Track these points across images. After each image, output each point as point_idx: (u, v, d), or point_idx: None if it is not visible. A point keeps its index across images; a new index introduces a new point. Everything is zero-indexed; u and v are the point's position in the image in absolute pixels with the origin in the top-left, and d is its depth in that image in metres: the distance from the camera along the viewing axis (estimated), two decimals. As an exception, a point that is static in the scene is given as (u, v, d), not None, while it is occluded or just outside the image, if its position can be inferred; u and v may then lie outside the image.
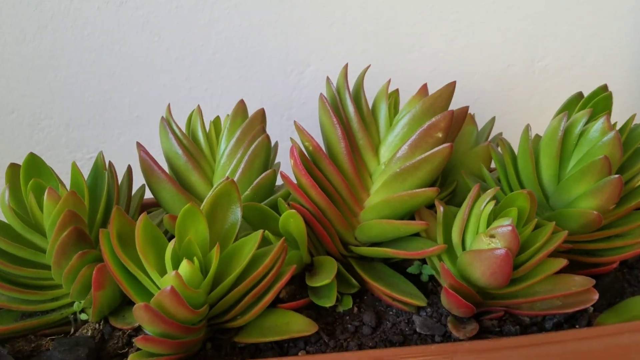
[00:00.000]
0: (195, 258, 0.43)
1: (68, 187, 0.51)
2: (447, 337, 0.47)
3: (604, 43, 0.91)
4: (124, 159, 0.83)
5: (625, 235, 0.50)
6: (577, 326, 0.48)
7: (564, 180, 0.48)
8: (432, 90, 0.56)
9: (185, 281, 0.40)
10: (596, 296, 0.45)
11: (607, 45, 0.91)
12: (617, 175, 0.45)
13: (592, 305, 0.49)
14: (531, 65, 0.90)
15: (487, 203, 0.45)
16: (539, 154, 0.50)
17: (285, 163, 0.65)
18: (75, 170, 0.50)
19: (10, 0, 0.74)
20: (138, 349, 0.44)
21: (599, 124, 0.47)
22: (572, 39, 0.90)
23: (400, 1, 0.82)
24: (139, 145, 0.54)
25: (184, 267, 0.41)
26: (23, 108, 0.81)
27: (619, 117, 0.68)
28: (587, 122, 0.48)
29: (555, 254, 0.48)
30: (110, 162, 0.54)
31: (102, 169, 0.53)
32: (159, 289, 0.43)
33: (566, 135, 0.48)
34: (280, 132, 0.86)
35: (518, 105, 0.93)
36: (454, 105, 0.55)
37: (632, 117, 0.49)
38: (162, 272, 0.43)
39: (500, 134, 0.66)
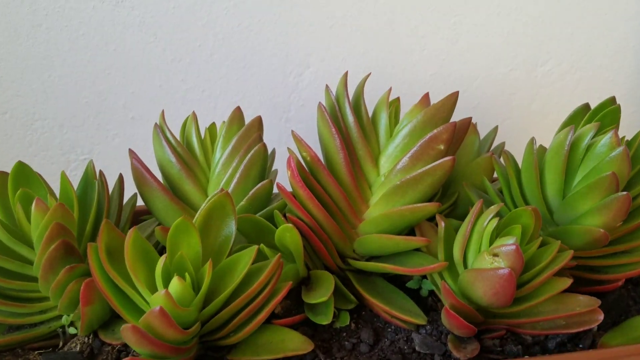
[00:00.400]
0: (186, 274, 0.42)
1: (58, 193, 0.50)
2: (447, 357, 0.46)
3: (607, 47, 0.90)
4: (118, 161, 0.82)
5: (632, 252, 0.49)
6: (580, 346, 0.47)
7: (569, 195, 0.46)
8: (433, 95, 0.55)
9: (175, 299, 0.39)
10: (601, 316, 0.44)
11: (611, 49, 0.90)
12: (625, 193, 0.43)
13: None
14: (533, 69, 0.89)
15: (490, 220, 0.43)
16: (543, 168, 0.48)
17: (283, 168, 0.63)
18: (64, 181, 0.48)
19: (3, -2, 0.72)
20: (127, 368, 0.42)
21: (606, 139, 0.45)
22: (575, 42, 0.88)
23: (401, 3, 0.80)
24: (131, 152, 0.52)
25: (175, 284, 0.40)
26: (16, 108, 0.79)
27: (622, 122, 0.66)
28: (594, 136, 0.46)
29: (560, 271, 0.47)
30: (100, 171, 0.52)
31: (92, 178, 0.51)
32: (149, 305, 0.41)
33: (572, 150, 0.46)
34: (278, 135, 0.85)
35: (520, 110, 0.92)
36: (455, 109, 0.54)
37: (641, 132, 0.48)
38: (153, 287, 0.42)
39: (503, 144, 0.64)
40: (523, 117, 0.93)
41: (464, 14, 0.83)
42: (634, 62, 0.92)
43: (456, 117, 0.53)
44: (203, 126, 0.59)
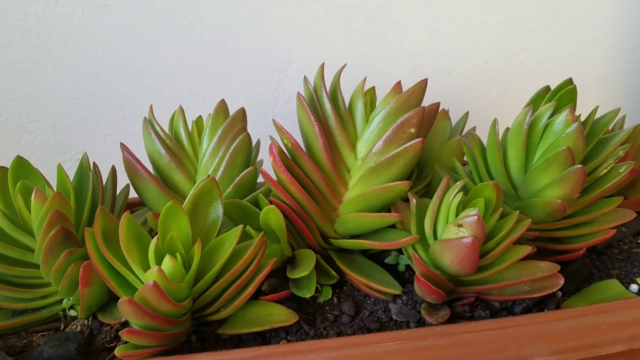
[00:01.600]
0: (177, 254, 0.45)
1: (55, 188, 0.53)
2: (421, 323, 0.49)
3: (579, 36, 0.93)
4: (111, 159, 0.85)
5: (592, 223, 0.53)
6: (545, 310, 0.50)
7: (530, 171, 0.50)
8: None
9: (168, 276, 0.42)
10: (561, 281, 0.48)
11: (583, 38, 0.93)
12: (579, 165, 0.47)
13: (561, 290, 0.51)
14: (509, 60, 0.92)
15: (455, 194, 0.47)
16: (506, 147, 0.52)
17: (268, 161, 0.67)
18: (60, 172, 0.51)
19: (-6, 5, 0.75)
20: (125, 342, 0.45)
21: (562, 116, 0.49)
22: (549, 32, 0.92)
23: (379, 0, 0.84)
24: (122, 145, 0.56)
25: (167, 262, 0.43)
26: (10, 112, 0.82)
27: (599, 109, 0.69)
28: (552, 115, 0.50)
29: (524, 241, 0.51)
30: (94, 163, 0.55)
31: (87, 170, 0.54)
32: (143, 284, 0.45)
33: (532, 128, 0.50)
34: (264, 130, 0.87)
35: (497, 100, 0.96)
36: (434, 100, 0.57)
37: (595, 109, 0.52)
38: (146, 268, 0.45)
39: (474, 128, 0.68)
40: (500, 106, 0.97)
41: (439, 9, 0.86)
42: (605, 50, 0.96)
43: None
44: (190, 121, 0.62)
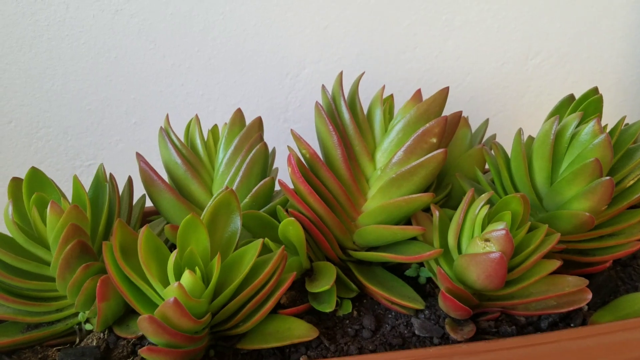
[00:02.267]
0: (197, 268, 0.44)
1: (69, 196, 0.52)
2: (445, 339, 0.48)
3: (596, 39, 0.92)
4: (122, 166, 0.84)
5: (618, 235, 0.52)
6: (572, 325, 0.49)
7: (556, 182, 0.49)
8: (427, 91, 0.57)
9: (187, 291, 0.41)
10: (590, 296, 0.46)
11: (600, 41, 0.92)
12: (608, 177, 0.46)
13: (587, 304, 0.50)
14: (524, 63, 0.91)
15: (481, 207, 0.46)
16: (531, 157, 0.51)
17: (283, 166, 0.66)
18: (77, 184, 0.50)
19: (5, 10, 0.74)
20: (143, 359, 0.45)
21: (589, 127, 0.48)
22: (565, 35, 0.90)
23: (394, 3, 0.83)
24: (138, 155, 0.55)
25: (186, 277, 0.42)
26: (21, 117, 0.82)
27: (611, 113, 0.68)
28: (578, 125, 0.49)
29: (550, 254, 0.49)
30: (111, 174, 0.55)
31: (103, 180, 0.53)
32: (162, 299, 0.44)
33: (558, 139, 0.49)
34: (276, 135, 0.87)
35: (512, 103, 0.94)
36: (449, 104, 0.56)
37: (622, 119, 0.50)
38: (165, 282, 0.44)
39: (494, 136, 0.67)
40: (515, 110, 0.96)
41: (454, 12, 0.85)
42: (622, 53, 0.94)
43: (449, 111, 0.55)
44: (204, 129, 0.61)
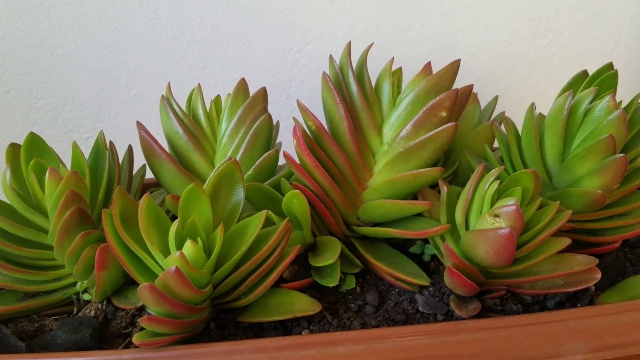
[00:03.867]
0: (198, 238, 0.43)
1: (68, 166, 0.51)
2: (449, 316, 0.47)
3: (605, 20, 0.90)
4: (121, 138, 0.83)
5: (628, 215, 0.51)
6: (579, 305, 0.48)
7: (568, 159, 0.48)
8: (434, 69, 0.56)
9: (189, 261, 0.40)
10: (599, 275, 0.45)
11: (608, 22, 0.91)
12: (622, 155, 0.45)
13: (594, 284, 0.49)
14: (532, 43, 0.90)
15: (491, 183, 0.44)
16: (543, 133, 0.50)
17: (286, 143, 0.64)
18: (76, 150, 0.49)
19: (4, -23, 0.72)
20: (142, 329, 0.44)
21: (604, 103, 0.46)
22: (574, 16, 0.89)
23: (401, -22, 0.81)
24: (139, 124, 0.53)
25: (188, 247, 0.41)
26: (19, 87, 0.80)
27: (620, 94, 0.67)
28: (592, 101, 0.48)
29: (558, 233, 0.48)
30: (111, 142, 0.53)
31: (102, 148, 0.52)
32: (162, 269, 0.43)
33: (571, 114, 0.48)
34: (279, 111, 0.86)
35: (519, 83, 0.93)
36: (456, 83, 0.55)
37: (638, 96, 0.49)
38: (166, 252, 0.43)
39: (503, 113, 0.65)
40: (522, 90, 0.94)
41: (462, -11, 0.83)
42: (631, 34, 0.93)
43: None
44: (206, 102, 0.59)
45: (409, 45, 0.86)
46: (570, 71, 0.94)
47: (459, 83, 0.58)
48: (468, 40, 0.87)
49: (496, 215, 0.43)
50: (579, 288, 0.46)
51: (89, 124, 0.85)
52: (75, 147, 0.49)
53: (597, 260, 0.45)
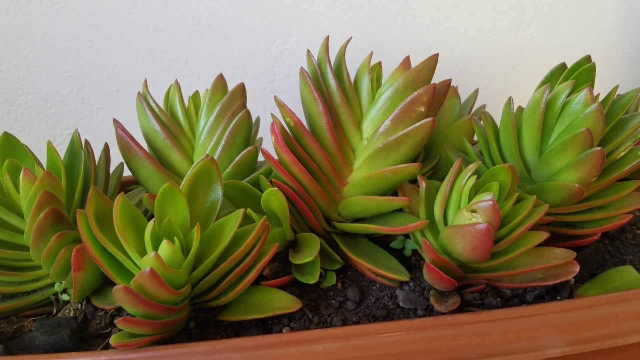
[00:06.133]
0: (175, 238, 0.43)
1: (45, 166, 0.50)
2: (429, 311, 0.47)
3: (588, 10, 0.90)
4: (103, 134, 0.82)
5: (607, 207, 0.51)
6: (558, 298, 0.49)
7: (546, 153, 0.48)
8: (416, 61, 0.55)
9: (165, 262, 0.40)
10: (577, 268, 0.46)
11: (592, 12, 0.90)
12: (599, 148, 0.45)
13: (574, 277, 0.49)
14: (516, 34, 0.89)
15: (468, 178, 0.44)
16: (521, 127, 0.49)
17: (268, 138, 0.64)
18: (50, 150, 0.49)
19: (-20, -29, 0.71)
20: (120, 330, 0.43)
21: (581, 96, 0.46)
22: (557, 6, 0.89)
23: (384, -31, 0.80)
24: (115, 122, 0.53)
25: (164, 247, 0.41)
26: (-2, 84, 0.79)
27: (603, 85, 0.67)
28: (569, 94, 0.47)
29: (537, 226, 0.49)
30: (86, 141, 0.53)
31: (78, 147, 0.51)
32: (139, 269, 0.42)
33: (548, 108, 0.48)
34: (262, 106, 0.85)
35: (503, 74, 0.93)
36: (439, 75, 0.54)
37: (615, 88, 0.49)
38: (142, 252, 0.42)
39: (484, 106, 0.65)
40: (506, 81, 0.94)
41: (446, -21, 0.83)
42: (615, 25, 0.93)
43: (438, 82, 0.53)
44: (187, 97, 0.59)
45: (393, 36, 0.86)
46: (554, 61, 0.94)
47: (444, 74, 0.58)
48: (452, 32, 0.87)
49: (473, 211, 0.42)
50: (558, 281, 0.46)
51: (71, 120, 0.84)
52: (50, 147, 0.49)
53: (574, 254, 0.45)
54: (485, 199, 0.42)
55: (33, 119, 0.83)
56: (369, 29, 0.84)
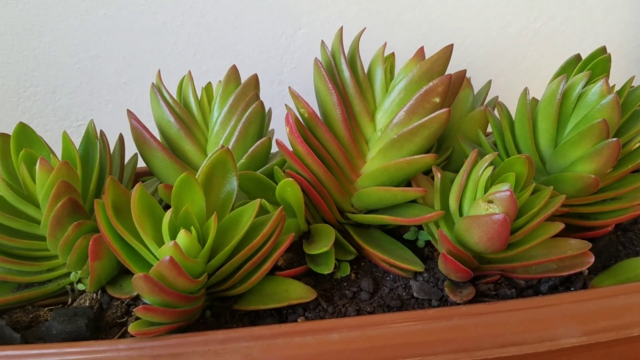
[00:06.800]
0: (192, 228, 0.43)
1: (59, 156, 0.50)
2: (444, 301, 0.47)
3: (599, 3, 0.90)
4: (113, 126, 0.82)
5: (621, 199, 0.51)
6: (572, 289, 0.49)
7: (561, 144, 0.48)
8: (427, 53, 0.55)
9: (183, 251, 0.40)
10: (592, 259, 0.46)
11: (603, 4, 0.90)
12: (615, 139, 0.45)
13: (587, 268, 0.49)
14: (525, 27, 0.89)
15: (485, 168, 0.44)
16: (536, 118, 0.49)
17: (279, 129, 0.64)
18: (66, 140, 0.49)
19: (-11, -37, 0.71)
20: (137, 318, 0.44)
21: (597, 87, 0.46)
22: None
23: (394, -39, 0.80)
24: (129, 113, 0.53)
25: (182, 237, 0.41)
26: (7, 76, 0.79)
27: (613, 78, 0.66)
28: (585, 85, 0.47)
29: (551, 217, 0.49)
30: (101, 131, 0.53)
31: (93, 138, 0.52)
32: (156, 259, 0.43)
33: (564, 99, 0.48)
34: (271, 98, 0.85)
35: (511, 68, 0.93)
36: (448, 67, 0.54)
37: (631, 80, 0.49)
38: (159, 242, 0.43)
39: (497, 97, 0.65)
40: (515, 74, 0.94)
41: (455, -28, 0.83)
42: (626, 16, 0.92)
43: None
44: (197, 89, 0.59)
45: (401, 28, 0.86)
46: (563, 54, 0.94)
47: (452, 66, 0.58)
48: (461, 24, 0.87)
49: (490, 201, 0.43)
50: (572, 272, 0.46)
51: (80, 112, 0.84)
52: (66, 137, 0.49)
53: (590, 245, 0.45)
54: (503, 190, 0.42)
55: (42, 111, 0.83)
56: (377, 22, 0.84)
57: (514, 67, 0.93)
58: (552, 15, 0.89)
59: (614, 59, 0.97)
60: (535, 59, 0.93)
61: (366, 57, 0.57)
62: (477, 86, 0.69)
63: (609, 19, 0.91)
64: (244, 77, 0.58)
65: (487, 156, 0.45)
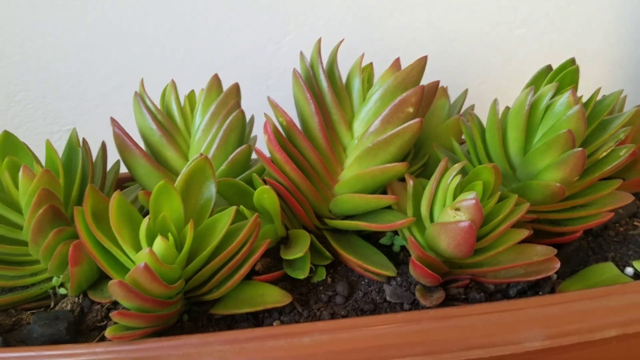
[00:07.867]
0: (169, 234, 0.44)
1: (44, 164, 0.52)
2: (415, 305, 0.49)
3: (584, 6, 0.91)
4: (102, 130, 0.83)
5: (589, 205, 0.52)
6: (540, 293, 0.50)
7: (529, 153, 0.49)
8: (411, 59, 0.56)
9: (159, 257, 0.41)
10: (557, 265, 0.47)
11: (587, 9, 0.91)
12: (580, 149, 0.46)
13: (556, 273, 0.51)
14: (510, 31, 0.90)
15: (453, 177, 0.46)
16: (506, 128, 0.51)
17: (262, 136, 0.65)
18: (49, 148, 0.50)
19: (-21, -31, 0.72)
20: (115, 322, 0.45)
21: (564, 98, 0.48)
22: (552, 2, 0.89)
23: (380, -34, 0.81)
24: (112, 120, 0.54)
25: (158, 243, 0.42)
26: (-3, 80, 0.80)
27: (595, 83, 0.67)
28: (553, 96, 0.49)
29: (521, 223, 0.50)
30: (84, 139, 0.54)
31: (76, 145, 0.53)
32: (134, 264, 0.44)
33: (532, 109, 0.49)
34: (259, 103, 0.85)
35: (498, 72, 0.94)
36: (433, 72, 0.55)
37: (597, 91, 0.50)
38: (138, 248, 0.44)
39: (473, 106, 0.66)
40: (501, 79, 0.95)
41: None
42: (610, 21, 0.93)
43: (432, 79, 0.54)
44: (184, 94, 0.60)
45: (389, 33, 0.87)
46: (548, 58, 0.95)
47: (439, 70, 0.59)
48: (447, 28, 0.88)
49: (457, 209, 0.44)
50: (539, 277, 0.47)
51: (69, 116, 0.85)
52: (49, 145, 0.50)
53: (555, 251, 0.47)
54: (469, 198, 0.43)
55: (32, 115, 0.84)
56: (365, 26, 0.85)
57: (502, 70, 0.94)
58: (538, 20, 0.90)
59: (596, 64, 0.98)
60: (522, 63, 0.94)
61: (351, 64, 0.58)
62: (462, 90, 0.70)
63: (593, 23, 0.92)
64: (231, 81, 0.59)
65: (455, 165, 0.46)
